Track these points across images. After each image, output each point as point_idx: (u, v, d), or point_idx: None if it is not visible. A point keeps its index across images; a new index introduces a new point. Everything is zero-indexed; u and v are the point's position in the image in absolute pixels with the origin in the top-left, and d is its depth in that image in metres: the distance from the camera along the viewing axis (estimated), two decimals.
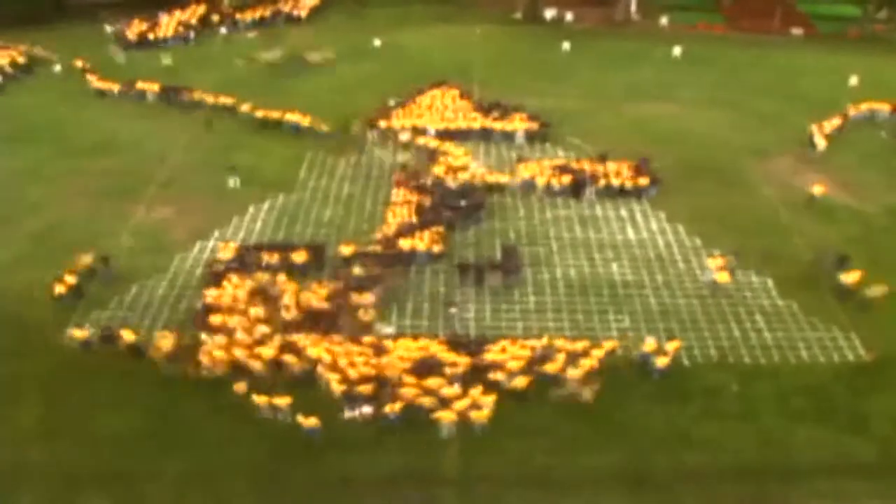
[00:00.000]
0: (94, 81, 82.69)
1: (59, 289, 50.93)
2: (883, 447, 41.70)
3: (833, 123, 73.57)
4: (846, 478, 40.09)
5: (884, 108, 76.81)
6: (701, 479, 39.97)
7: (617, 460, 40.82)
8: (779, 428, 42.72)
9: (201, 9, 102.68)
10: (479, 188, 62.91)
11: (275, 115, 74.15)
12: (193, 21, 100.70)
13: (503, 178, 64.29)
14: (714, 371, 46.58)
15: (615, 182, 63.77)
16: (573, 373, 44.92)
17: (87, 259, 53.48)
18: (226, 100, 77.15)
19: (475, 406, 42.69)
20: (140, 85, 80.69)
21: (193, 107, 77.54)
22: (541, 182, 63.89)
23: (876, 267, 53.71)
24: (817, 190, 62.58)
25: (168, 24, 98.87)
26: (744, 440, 42.05)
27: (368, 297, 50.89)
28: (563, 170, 64.90)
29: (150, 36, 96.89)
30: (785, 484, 39.75)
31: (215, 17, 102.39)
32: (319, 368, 45.01)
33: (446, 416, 41.95)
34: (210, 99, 77.73)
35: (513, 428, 42.29)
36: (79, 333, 47.85)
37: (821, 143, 71.04)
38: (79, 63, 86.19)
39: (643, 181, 63.80)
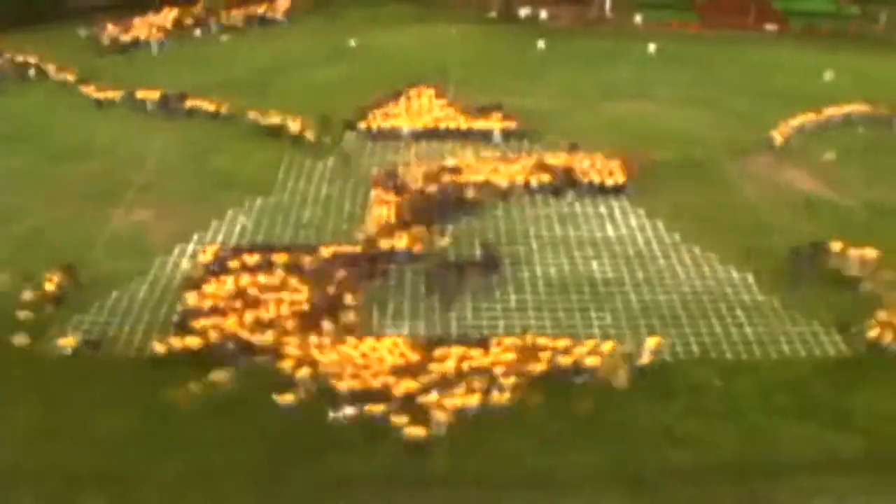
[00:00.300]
0: (93, 92, 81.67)
1: (38, 294, 50.83)
2: (866, 442, 41.73)
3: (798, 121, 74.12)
4: (830, 473, 40.05)
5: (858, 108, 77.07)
6: (686, 477, 39.89)
7: (603, 459, 40.72)
8: (762, 424, 42.77)
9: (175, 12, 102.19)
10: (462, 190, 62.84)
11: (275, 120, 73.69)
12: (167, 24, 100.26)
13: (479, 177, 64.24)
14: (696, 367, 46.69)
15: (595, 179, 64.13)
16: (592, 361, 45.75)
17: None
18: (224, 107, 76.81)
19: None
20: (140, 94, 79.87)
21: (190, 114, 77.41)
22: (520, 180, 64.00)
23: None
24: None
25: (141, 27, 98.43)
26: (727, 437, 42.05)
27: (352, 298, 51.03)
28: (543, 168, 65.03)
29: (124, 39, 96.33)
30: (769, 480, 39.74)
31: (189, 21, 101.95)
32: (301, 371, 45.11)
33: (438, 414, 42.02)
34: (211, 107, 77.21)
35: (500, 428, 42.31)
36: (64, 341, 47.69)
37: (778, 138, 71.75)
38: (70, 76, 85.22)
39: (621, 179, 64.05)
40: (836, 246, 53.96)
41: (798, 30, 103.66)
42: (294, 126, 71.78)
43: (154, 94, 78.61)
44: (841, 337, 48.72)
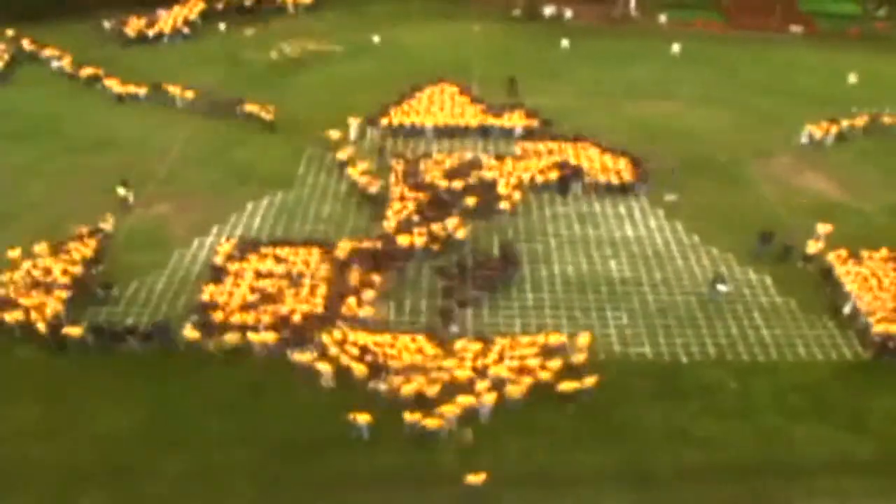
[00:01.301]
0: (116, 86, 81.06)
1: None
2: (881, 445, 41.79)
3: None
4: (845, 476, 40.10)
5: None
6: (700, 477, 40.04)
7: (616, 459, 40.85)
8: (777, 426, 42.80)
9: (200, 4, 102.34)
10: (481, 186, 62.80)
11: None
12: (192, 17, 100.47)
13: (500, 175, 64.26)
14: (712, 368, 46.73)
15: (602, 178, 64.35)
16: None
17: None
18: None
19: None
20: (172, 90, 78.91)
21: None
22: (526, 178, 64.16)
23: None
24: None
25: (166, 20, 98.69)
26: (742, 438, 42.11)
27: (370, 292, 51.37)
28: (554, 166, 65.11)
29: (149, 32, 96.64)
30: (784, 482, 39.80)
31: (213, 13, 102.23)
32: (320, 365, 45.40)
33: (449, 410, 42.06)
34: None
35: (512, 426, 42.38)
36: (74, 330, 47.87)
37: (817, 133, 71.98)
38: (93, 70, 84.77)
39: (630, 177, 64.31)
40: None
41: (824, 32, 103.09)
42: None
43: (189, 94, 77.93)
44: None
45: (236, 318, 48.55)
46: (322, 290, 51.33)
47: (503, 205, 60.95)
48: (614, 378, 45.05)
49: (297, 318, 48.89)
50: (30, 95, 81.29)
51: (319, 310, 49.80)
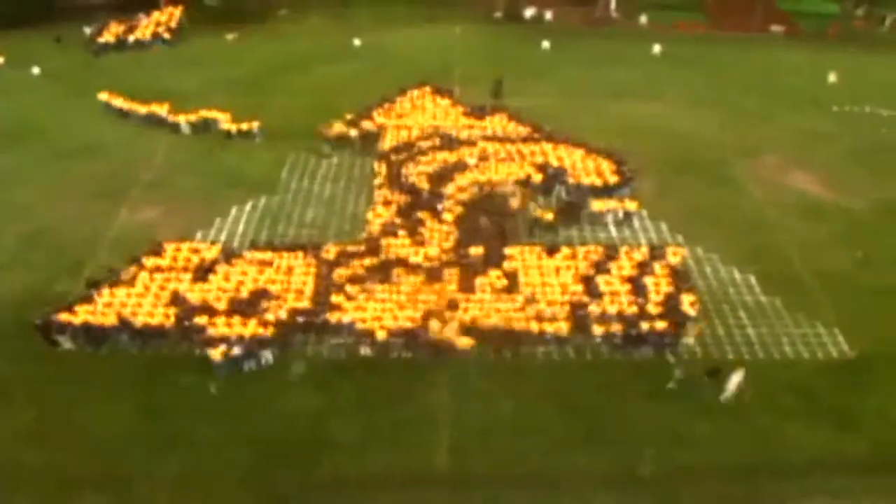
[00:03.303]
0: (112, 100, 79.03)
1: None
2: (871, 443, 42.04)
3: None
4: (837, 474, 40.38)
5: None
6: (693, 478, 40.22)
7: (610, 459, 41.04)
8: (768, 425, 42.99)
9: (180, 9, 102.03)
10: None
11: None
12: (173, 23, 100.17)
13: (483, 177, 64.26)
14: (700, 369, 46.50)
15: (586, 181, 64.10)
16: None
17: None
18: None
19: None
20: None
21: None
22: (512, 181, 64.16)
23: (862, 264, 54.94)
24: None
25: (147, 25, 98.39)
26: (734, 438, 42.32)
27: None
28: (543, 168, 65.12)
29: (129, 38, 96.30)
30: (777, 481, 40.06)
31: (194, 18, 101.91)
32: None
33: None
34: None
35: (506, 427, 42.59)
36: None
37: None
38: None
39: (615, 179, 64.11)
40: None
41: (804, 31, 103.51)
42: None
43: (188, 118, 74.50)
44: None
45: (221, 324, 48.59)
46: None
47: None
48: (605, 379, 45.36)
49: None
50: (14, 101, 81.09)
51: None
